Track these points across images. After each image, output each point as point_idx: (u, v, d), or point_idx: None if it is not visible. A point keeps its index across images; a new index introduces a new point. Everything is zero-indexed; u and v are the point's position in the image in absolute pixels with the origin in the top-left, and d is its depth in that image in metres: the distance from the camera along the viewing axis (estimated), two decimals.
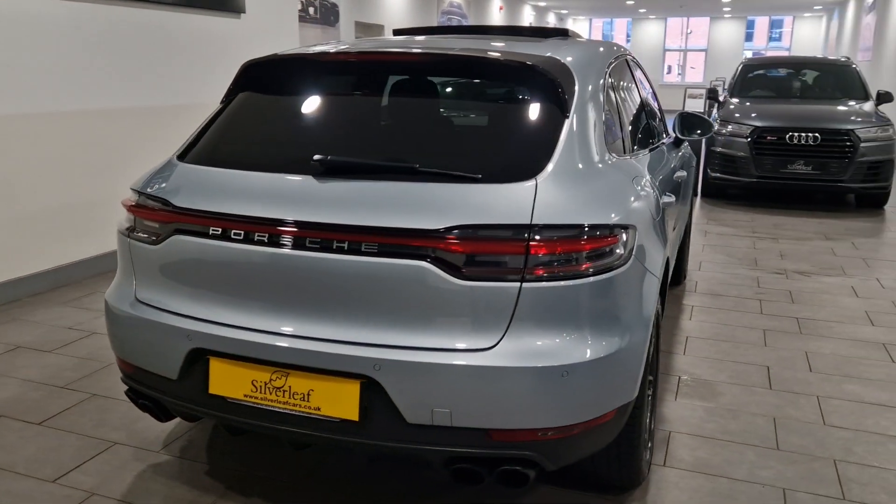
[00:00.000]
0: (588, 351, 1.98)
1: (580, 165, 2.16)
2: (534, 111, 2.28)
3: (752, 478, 2.69)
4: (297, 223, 2.04)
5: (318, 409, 2.03)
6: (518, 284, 1.93)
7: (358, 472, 2.66)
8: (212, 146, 2.45)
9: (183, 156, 2.44)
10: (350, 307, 2.01)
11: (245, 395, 2.10)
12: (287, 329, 2.06)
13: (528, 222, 1.94)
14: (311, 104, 2.48)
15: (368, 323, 2.01)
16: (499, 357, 1.94)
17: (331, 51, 2.52)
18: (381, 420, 2.00)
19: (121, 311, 2.33)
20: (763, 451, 2.89)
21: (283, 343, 2.04)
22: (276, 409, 2.07)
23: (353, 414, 1.99)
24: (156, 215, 2.26)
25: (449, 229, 1.93)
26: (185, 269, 2.19)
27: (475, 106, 2.56)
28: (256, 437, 2.88)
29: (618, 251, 2.05)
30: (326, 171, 2.11)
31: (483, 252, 1.95)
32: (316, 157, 2.10)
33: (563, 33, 3.09)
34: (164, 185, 2.31)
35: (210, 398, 2.16)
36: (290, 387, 2.05)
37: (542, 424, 1.98)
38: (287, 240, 2.04)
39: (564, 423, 1.99)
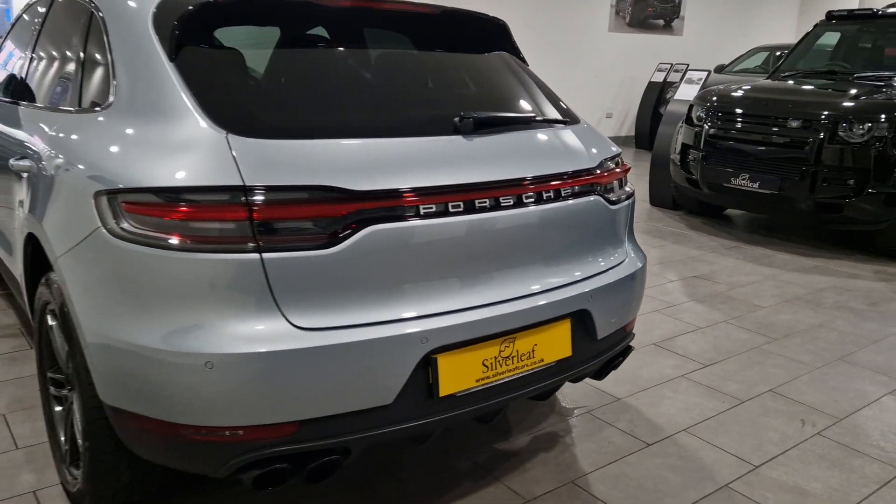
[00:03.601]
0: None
1: None
2: (513, 61, 2.60)
3: None
4: (493, 184, 1.96)
5: (542, 361, 2.09)
6: (629, 202, 2.41)
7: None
8: (285, 113, 1.97)
9: (256, 131, 1.79)
10: (550, 253, 2.12)
11: (477, 381, 1.95)
12: (506, 294, 2.00)
13: (619, 151, 2.42)
14: (355, 57, 2.30)
15: (570, 262, 2.18)
16: (635, 263, 2.41)
17: None
18: (585, 346, 2.22)
19: (272, 352, 1.67)
20: None
21: (507, 310, 1.97)
22: (507, 380, 2.01)
23: (566, 351, 2.15)
24: (324, 209, 1.72)
25: (600, 164, 2.26)
26: (384, 264, 1.79)
27: (478, 59, 2.58)
28: None
29: None
30: (473, 129, 2.04)
31: (616, 179, 2.34)
32: (466, 115, 2.04)
33: None
34: (303, 170, 1.73)
35: (439, 403, 1.89)
36: (517, 351, 2.02)
37: (637, 311, 2.51)
38: (489, 202, 1.94)
39: None
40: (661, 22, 11.70)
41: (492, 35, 2.61)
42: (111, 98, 2.06)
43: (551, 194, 2.10)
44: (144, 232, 1.70)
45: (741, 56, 10.76)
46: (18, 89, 2.92)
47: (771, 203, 5.59)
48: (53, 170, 2.12)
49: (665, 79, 10.64)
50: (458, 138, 2.02)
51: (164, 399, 1.72)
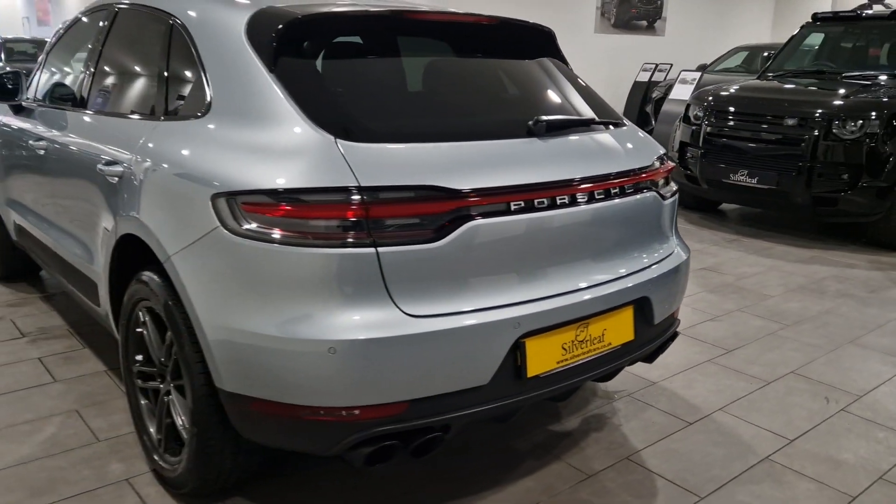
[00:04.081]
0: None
1: None
2: (562, 66, 2.78)
3: None
4: (570, 181, 2.13)
5: (610, 344, 2.27)
6: (674, 198, 2.57)
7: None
8: (382, 119, 2.12)
9: (358, 136, 1.94)
10: (617, 243, 2.30)
11: (558, 362, 2.13)
12: (582, 283, 2.17)
13: (664, 150, 2.58)
14: (429, 66, 2.45)
15: (633, 252, 2.37)
16: (682, 255, 2.59)
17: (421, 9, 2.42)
18: (644, 330, 2.40)
19: (388, 337, 1.83)
20: None
21: (583, 297, 2.15)
22: (582, 362, 2.19)
23: (629, 335, 2.33)
24: (431, 207, 1.89)
25: (653, 163, 2.45)
26: (481, 256, 1.97)
27: (534, 65, 2.74)
28: None
29: None
30: (546, 131, 2.22)
31: (664, 177, 2.52)
32: (539, 118, 2.22)
33: None
34: (407, 171, 1.89)
35: (527, 383, 2.07)
36: (590, 335, 2.20)
37: (682, 299, 2.69)
38: (567, 199, 2.11)
39: None
40: (645, 23, 12.01)
41: (542, 42, 2.78)
42: (208, 107, 2.19)
43: (618, 190, 2.28)
44: (266, 230, 1.85)
45: (722, 56, 11.09)
46: (80, 97, 3.03)
47: (769, 197, 5.85)
48: (154, 174, 2.25)
49: (650, 78, 10.93)
50: (535, 140, 2.20)
51: (286, 383, 1.88)
